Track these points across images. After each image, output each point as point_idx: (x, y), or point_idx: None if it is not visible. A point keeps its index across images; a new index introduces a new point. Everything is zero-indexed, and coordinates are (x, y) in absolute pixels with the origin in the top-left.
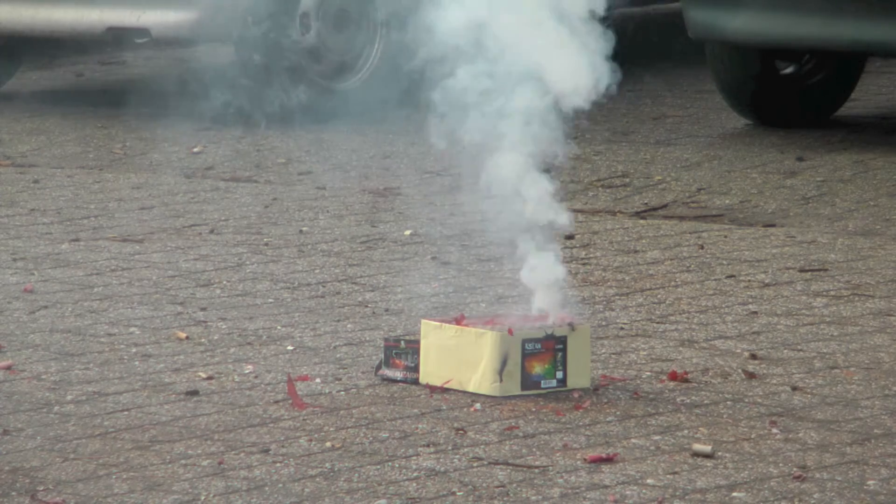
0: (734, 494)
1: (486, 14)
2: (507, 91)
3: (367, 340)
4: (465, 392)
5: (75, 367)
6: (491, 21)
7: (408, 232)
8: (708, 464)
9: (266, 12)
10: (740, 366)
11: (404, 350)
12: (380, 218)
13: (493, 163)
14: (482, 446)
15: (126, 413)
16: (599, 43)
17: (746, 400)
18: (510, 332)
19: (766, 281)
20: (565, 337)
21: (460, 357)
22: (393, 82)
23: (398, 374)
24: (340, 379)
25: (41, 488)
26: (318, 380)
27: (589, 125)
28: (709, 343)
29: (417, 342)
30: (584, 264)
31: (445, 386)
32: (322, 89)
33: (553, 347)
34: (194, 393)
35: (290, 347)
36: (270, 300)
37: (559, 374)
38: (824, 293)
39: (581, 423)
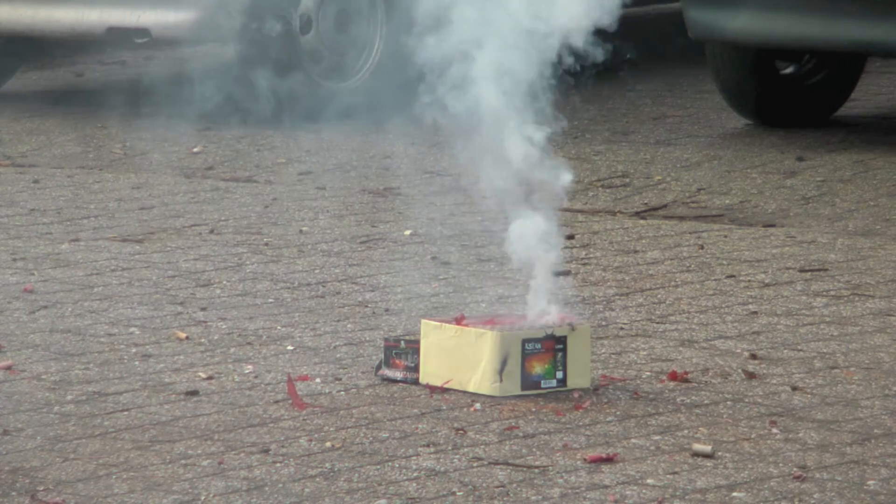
0: (734, 494)
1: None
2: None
3: (367, 340)
4: (465, 392)
5: (75, 367)
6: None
7: (408, 232)
8: (708, 464)
9: (266, 12)
10: (740, 366)
11: (404, 350)
12: (380, 218)
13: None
14: (482, 446)
15: (126, 413)
16: None
17: (746, 400)
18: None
19: (766, 281)
20: (565, 337)
21: (460, 357)
22: (393, 82)
23: (398, 374)
24: (340, 379)
25: (41, 488)
26: (318, 380)
27: (589, 125)
28: (709, 343)
29: (417, 342)
30: (584, 264)
31: (445, 386)
32: (322, 89)
33: (553, 347)
34: (194, 393)
35: (290, 347)
36: (270, 300)
37: (559, 374)
38: (824, 293)
39: (581, 423)
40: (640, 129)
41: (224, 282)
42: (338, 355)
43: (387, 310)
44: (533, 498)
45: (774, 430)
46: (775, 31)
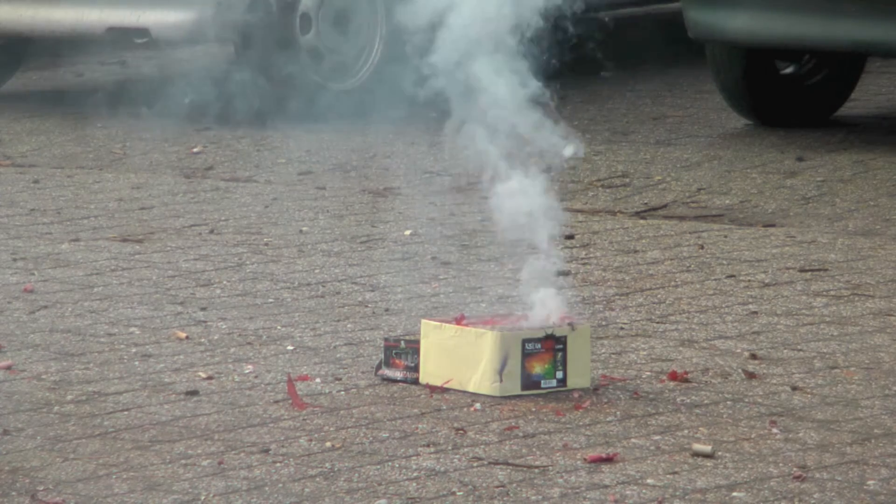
0: (734, 494)
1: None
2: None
3: (367, 340)
4: (465, 392)
5: (75, 367)
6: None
7: (408, 232)
8: (708, 464)
9: (265, 12)
10: (740, 366)
11: (404, 350)
12: (380, 218)
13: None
14: (482, 446)
15: (126, 413)
16: None
17: (746, 400)
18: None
19: (766, 281)
20: (565, 337)
21: (460, 357)
22: (393, 82)
23: (398, 374)
24: (340, 379)
25: (41, 488)
26: (318, 380)
27: (589, 125)
28: (709, 343)
29: (417, 342)
30: (584, 264)
31: (445, 386)
32: (322, 89)
33: (553, 347)
34: (194, 393)
35: (290, 347)
36: (270, 300)
37: (559, 374)
38: (824, 293)
39: (581, 423)
40: (640, 129)
41: (224, 282)
42: (338, 355)
43: (387, 310)
44: (533, 498)
45: (774, 430)
46: (775, 31)
